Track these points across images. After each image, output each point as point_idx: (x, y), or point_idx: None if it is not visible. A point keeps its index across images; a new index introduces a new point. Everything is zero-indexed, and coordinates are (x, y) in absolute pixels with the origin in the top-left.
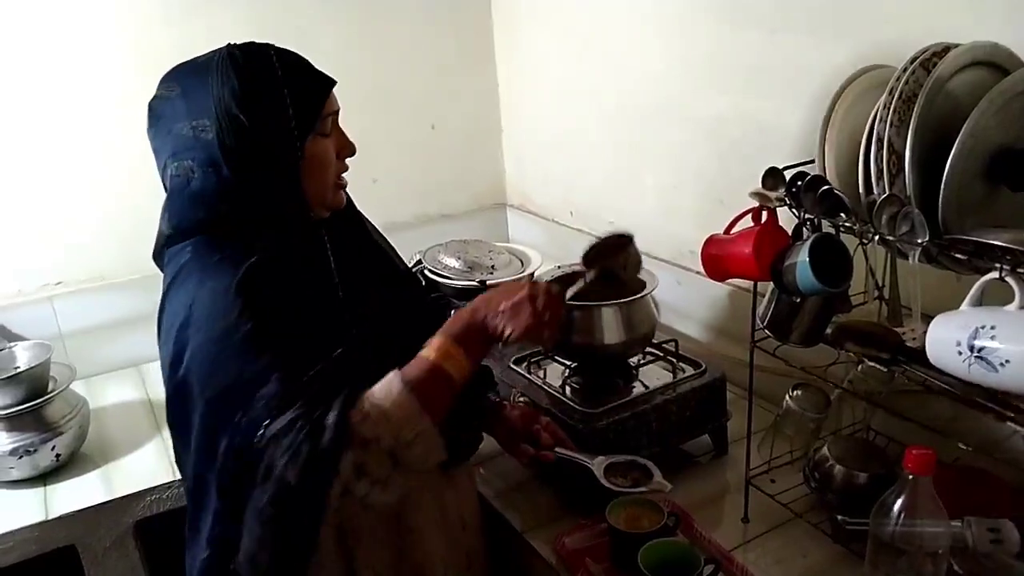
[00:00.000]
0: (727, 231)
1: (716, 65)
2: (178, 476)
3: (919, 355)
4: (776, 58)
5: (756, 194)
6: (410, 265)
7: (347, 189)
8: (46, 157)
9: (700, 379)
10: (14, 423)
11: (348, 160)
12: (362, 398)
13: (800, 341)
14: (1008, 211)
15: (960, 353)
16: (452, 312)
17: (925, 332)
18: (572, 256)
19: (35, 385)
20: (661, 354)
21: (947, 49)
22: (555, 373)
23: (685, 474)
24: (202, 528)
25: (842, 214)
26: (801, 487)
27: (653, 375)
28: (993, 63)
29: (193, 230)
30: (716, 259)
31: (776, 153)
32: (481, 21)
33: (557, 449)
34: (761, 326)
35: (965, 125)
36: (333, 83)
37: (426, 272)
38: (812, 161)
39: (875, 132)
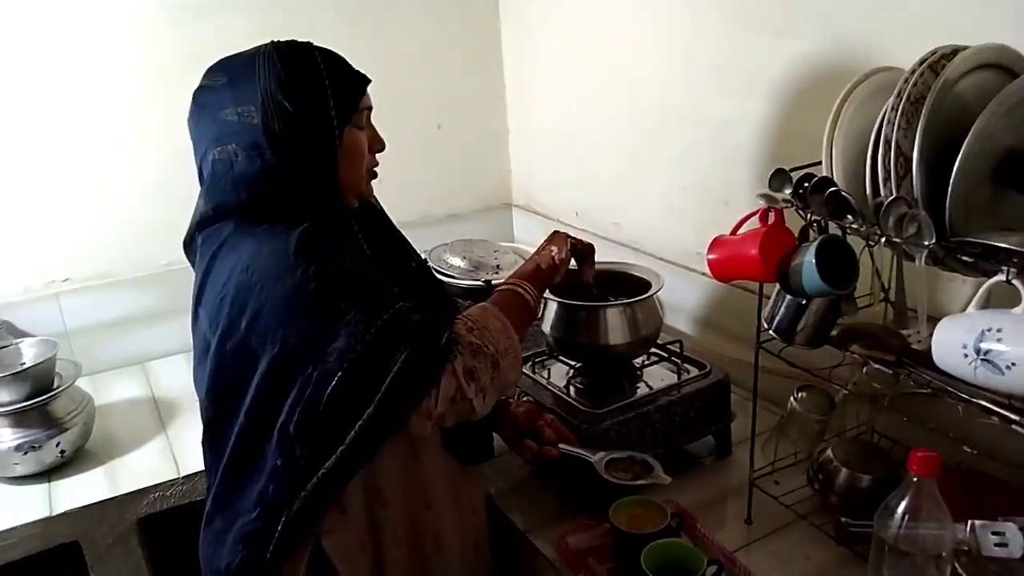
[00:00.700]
0: (733, 232)
1: (723, 67)
2: (182, 473)
3: (924, 358)
4: (783, 61)
5: (763, 195)
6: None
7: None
8: (53, 156)
9: (704, 380)
10: (19, 419)
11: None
12: (461, 316)
13: (805, 343)
14: (1015, 214)
15: (966, 356)
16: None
17: (931, 335)
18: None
19: (41, 381)
20: (666, 355)
21: (955, 51)
22: (559, 373)
23: (689, 475)
24: (244, 496)
25: (849, 216)
26: (805, 489)
27: (657, 376)
28: (1001, 65)
29: (232, 212)
30: (722, 260)
31: (783, 155)
32: (489, 22)
33: (560, 445)
34: (766, 327)
35: (973, 127)
36: (368, 80)
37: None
38: (819, 163)
39: (883, 134)
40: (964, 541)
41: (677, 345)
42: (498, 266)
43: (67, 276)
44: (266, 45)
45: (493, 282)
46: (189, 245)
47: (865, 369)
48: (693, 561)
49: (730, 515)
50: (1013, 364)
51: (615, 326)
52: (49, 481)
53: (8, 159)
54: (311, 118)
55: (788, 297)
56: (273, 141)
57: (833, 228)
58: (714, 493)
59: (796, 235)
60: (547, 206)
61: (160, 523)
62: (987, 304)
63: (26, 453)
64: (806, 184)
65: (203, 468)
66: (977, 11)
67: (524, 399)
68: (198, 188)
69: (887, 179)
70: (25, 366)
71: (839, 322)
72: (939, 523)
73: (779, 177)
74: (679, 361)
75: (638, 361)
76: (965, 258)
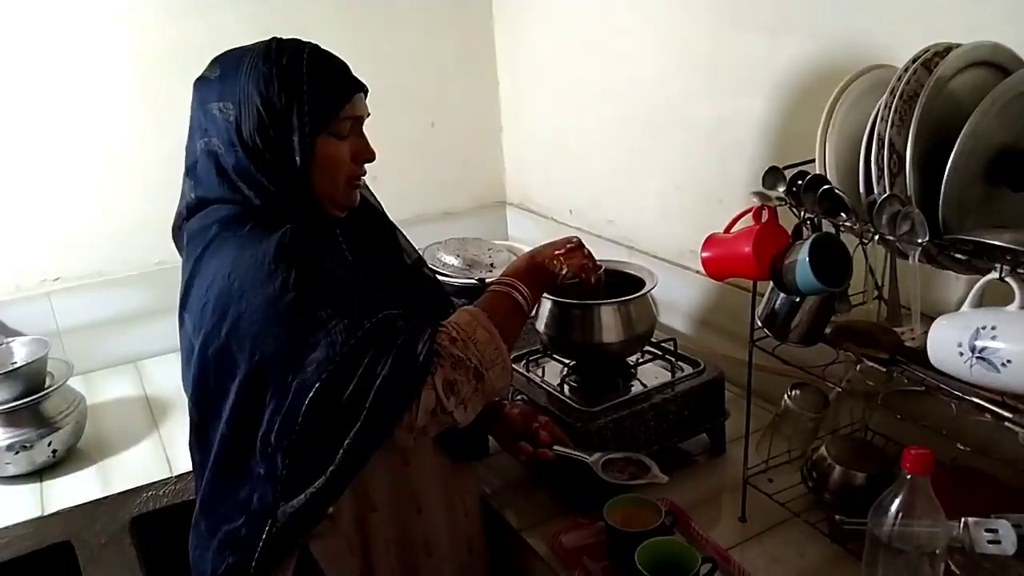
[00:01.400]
0: (727, 230)
1: (717, 65)
2: (175, 472)
3: (918, 355)
4: (777, 59)
5: (756, 193)
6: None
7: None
8: (45, 154)
9: (698, 378)
10: (11, 418)
11: None
12: (445, 325)
13: (799, 340)
14: (1008, 211)
15: (961, 354)
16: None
17: (924, 332)
18: None
19: (32, 381)
20: (660, 353)
21: (949, 49)
22: (553, 371)
23: (683, 473)
24: (229, 501)
25: (842, 213)
26: (799, 487)
27: (651, 374)
28: (994, 63)
29: (215, 202)
30: (716, 258)
31: (776, 153)
32: (482, 20)
33: (555, 447)
34: (760, 325)
35: (966, 125)
36: (359, 90)
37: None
38: (812, 161)
39: (876, 132)
40: (958, 538)
41: (671, 343)
42: (492, 264)
43: (58, 275)
44: (266, 41)
45: (487, 280)
46: (177, 232)
47: (859, 367)
48: (687, 559)
49: (724, 513)
50: (1008, 361)
51: (609, 324)
52: (41, 481)
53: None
54: (280, 125)
55: (782, 295)
56: (243, 141)
57: (826, 226)
58: (708, 491)
59: (790, 233)
60: (541, 204)
61: (153, 522)
62: (981, 302)
63: (17, 452)
64: (799, 182)
65: None
66: (970, 9)
67: (518, 398)
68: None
69: (880, 177)
70: (16, 365)
71: (833, 320)
72: (933, 520)
73: (773, 175)
74: (673, 359)
75: (632, 359)
76: (958, 256)
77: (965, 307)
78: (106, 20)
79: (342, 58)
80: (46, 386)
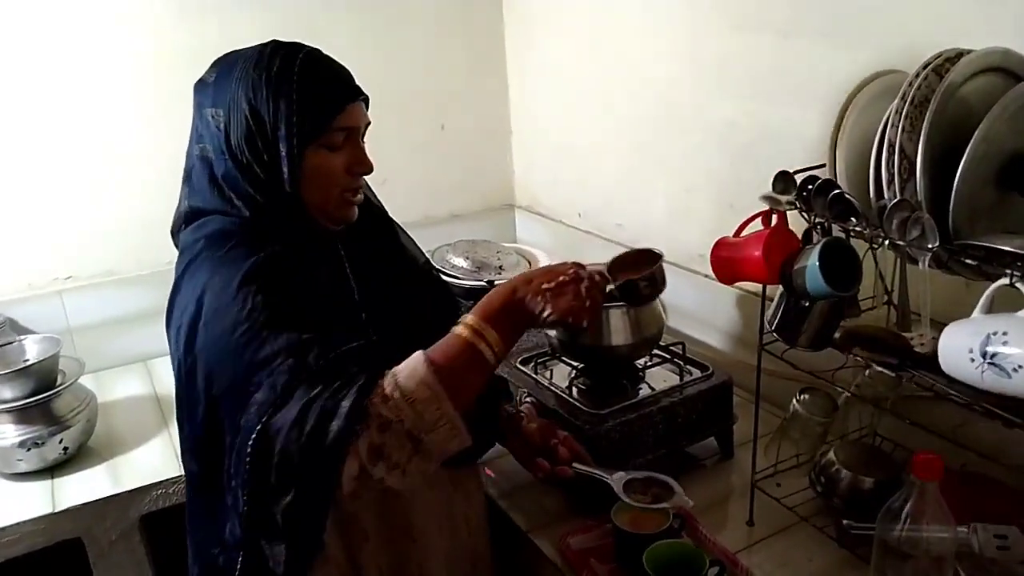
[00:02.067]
0: (737, 234)
1: (728, 69)
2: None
3: (927, 361)
4: (788, 63)
5: (766, 198)
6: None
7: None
8: (57, 153)
9: (707, 382)
10: (22, 416)
11: None
12: (385, 376)
13: (808, 345)
14: (1019, 217)
15: (973, 360)
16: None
17: (934, 338)
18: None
19: (44, 378)
20: (668, 356)
21: (960, 55)
22: (562, 374)
23: (690, 477)
24: (207, 528)
25: (852, 218)
26: (807, 491)
27: (660, 377)
28: (1006, 69)
29: (207, 212)
30: (725, 261)
31: (787, 157)
32: (492, 23)
33: (575, 464)
34: (769, 329)
35: (977, 130)
36: (355, 98)
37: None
38: (823, 165)
39: (887, 137)
40: (966, 544)
41: (680, 347)
42: (501, 267)
43: (70, 274)
44: (263, 45)
45: (496, 282)
46: (175, 236)
47: (868, 372)
48: (695, 562)
49: (732, 516)
50: (1020, 367)
51: (618, 327)
52: (52, 478)
53: (11, 156)
54: (266, 132)
55: (791, 299)
56: (231, 151)
57: (836, 230)
58: (716, 494)
59: (799, 238)
60: (550, 207)
61: (163, 520)
62: (991, 308)
63: (29, 450)
64: (810, 187)
65: None
66: (982, 15)
67: (527, 400)
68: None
69: (891, 182)
70: (28, 363)
71: (842, 325)
72: (942, 526)
73: (783, 179)
74: (681, 363)
75: (640, 363)
76: (968, 261)
77: (976, 313)
78: (119, 21)
79: (349, 61)
80: (57, 384)
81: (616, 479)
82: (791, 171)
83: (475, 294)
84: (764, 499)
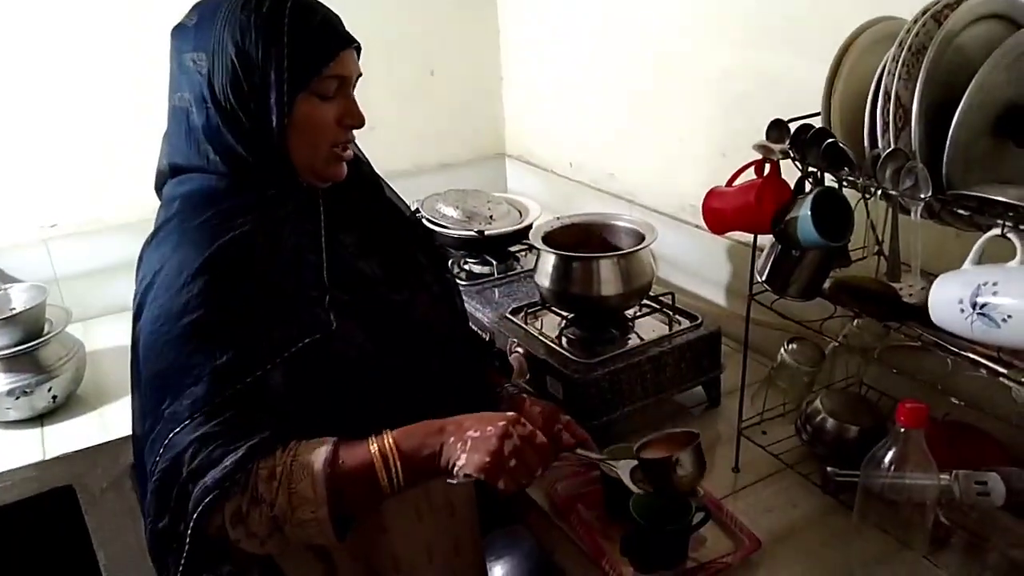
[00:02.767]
0: (729, 184)
1: (723, 16)
2: None
3: (916, 311)
4: (784, 9)
5: (760, 146)
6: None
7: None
8: (42, 98)
9: (695, 332)
10: (10, 364)
11: None
12: (285, 451)
13: (798, 295)
14: (1013, 168)
15: (963, 311)
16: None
17: (922, 288)
18: (571, 208)
19: (31, 327)
20: (658, 307)
21: (959, 1)
22: (551, 324)
23: (678, 424)
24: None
25: (845, 168)
26: (792, 439)
27: (649, 327)
28: (1006, 16)
29: (185, 169)
30: (717, 211)
31: (782, 106)
32: None
33: (579, 451)
34: (760, 279)
35: (975, 78)
36: (348, 46)
37: (424, 221)
38: (818, 114)
39: (882, 85)
40: (948, 490)
41: (669, 297)
42: (491, 216)
43: (55, 221)
44: None
45: (486, 232)
46: (159, 191)
47: (856, 322)
48: (680, 507)
49: (718, 463)
50: (1009, 316)
51: (608, 277)
52: (42, 426)
53: None
54: (254, 78)
55: (782, 249)
56: (215, 98)
57: (829, 180)
58: (704, 442)
59: (792, 187)
60: (541, 157)
61: None
62: (982, 259)
63: (18, 398)
64: (803, 135)
65: None
66: None
67: (516, 350)
68: None
69: (885, 131)
70: (15, 311)
71: (831, 275)
72: (925, 472)
73: (777, 128)
74: (671, 313)
75: (630, 312)
76: (961, 212)
77: (966, 264)
78: None
79: (335, 3)
80: (45, 333)
81: (622, 467)
82: (785, 120)
83: (465, 244)
84: (750, 447)
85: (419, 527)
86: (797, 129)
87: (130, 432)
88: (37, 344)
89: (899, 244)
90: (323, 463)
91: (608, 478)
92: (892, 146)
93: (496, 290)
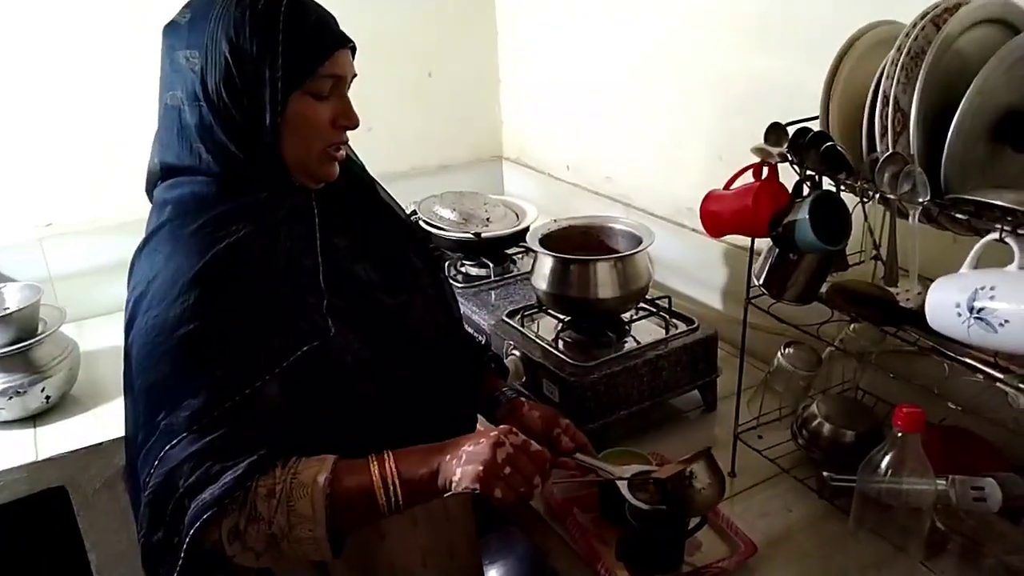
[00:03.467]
0: (727, 187)
1: (721, 19)
2: None
3: (912, 315)
4: (783, 11)
5: (758, 149)
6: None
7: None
8: (39, 99)
9: (692, 335)
10: (4, 364)
11: None
12: (284, 469)
13: (795, 299)
14: (1011, 172)
15: (960, 315)
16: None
17: (919, 293)
18: (568, 211)
19: (25, 327)
20: (654, 310)
21: (958, 5)
22: (548, 327)
23: (674, 428)
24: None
25: (844, 172)
26: (789, 443)
27: (646, 330)
28: (1004, 21)
29: (177, 169)
30: (715, 214)
31: (779, 110)
32: None
33: (577, 455)
34: (757, 283)
35: (973, 83)
36: (343, 45)
37: (420, 223)
38: (816, 117)
39: (881, 89)
40: (944, 495)
41: (666, 300)
42: (488, 219)
43: (50, 221)
44: None
45: (483, 235)
46: (150, 193)
47: (852, 326)
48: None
49: None
50: (1006, 321)
51: (605, 280)
52: (35, 426)
53: None
54: (248, 75)
55: (779, 253)
56: (207, 95)
57: (827, 184)
58: (699, 446)
59: (790, 191)
60: (538, 159)
61: None
62: (980, 263)
63: (11, 398)
64: (802, 139)
65: None
66: None
67: (512, 352)
68: None
69: (884, 135)
70: (9, 311)
71: (829, 279)
72: (921, 478)
73: (775, 132)
74: (667, 316)
75: (627, 316)
76: (959, 216)
77: (964, 268)
78: None
79: (334, 2)
80: (39, 332)
81: (620, 475)
82: (783, 123)
83: (462, 246)
84: (746, 451)
85: (414, 532)
86: (795, 133)
87: (123, 434)
88: (31, 344)
89: (897, 248)
90: (324, 483)
91: (604, 482)
92: (890, 150)
93: (493, 293)
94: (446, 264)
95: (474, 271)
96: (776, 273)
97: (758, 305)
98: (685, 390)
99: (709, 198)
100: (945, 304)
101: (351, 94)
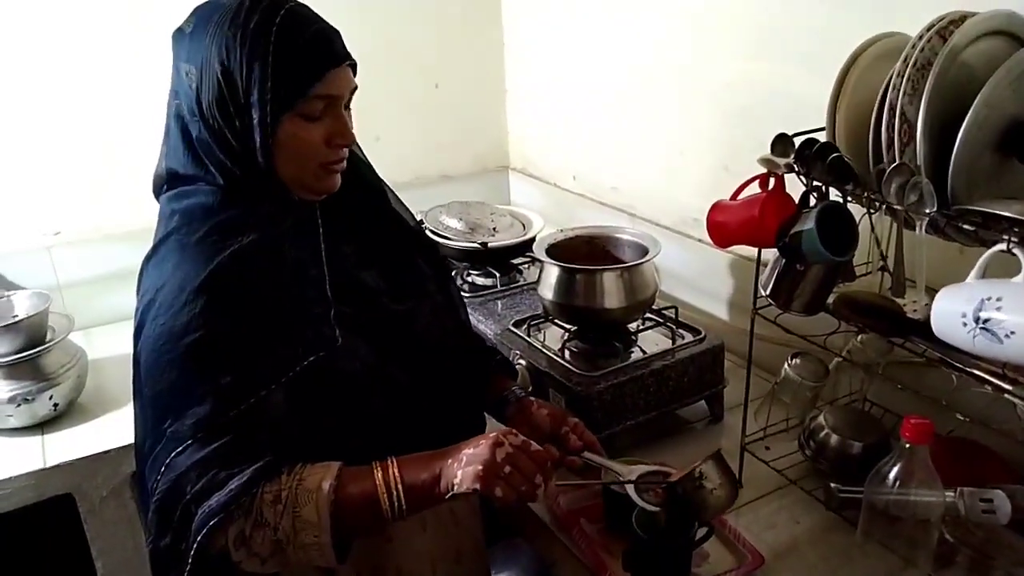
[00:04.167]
0: (734, 197)
1: (726, 29)
2: None
3: (920, 326)
4: (788, 22)
5: (765, 160)
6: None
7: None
8: (48, 107)
9: (699, 346)
10: (12, 371)
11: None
12: (290, 475)
13: (802, 310)
14: (1018, 183)
15: (965, 325)
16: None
17: (927, 304)
18: (574, 221)
19: (33, 334)
20: (661, 320)
21: (964, 18)
22: (554, 336)
23: (681, 439)
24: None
25: (850, 183)
26: (796, 455)
27: (652, 341)
28: (1010, 33)
29: (183, 177)
30: (721, 225)
31: (784, 120)
32: None
33: (586, 454)
34: (763, 293)
35: (980, 94)
36: (336, 65)
37: (427, 232)
38: (822, 128)
39: (887, 100)
40: (952, 507)
41: (672, 311)
42: (495, 228)
43: (58, 229)
44: None
45: (489, 245)
46: (158, 196)
47: (859, 337)
48: (684, 522)
49: None
50: (1012, 333)
51: (611, 290)
52: (43, 434)
53: (0, 110)
54: (238, 97)
55: (785, 263)
56: (202, 113)
57: (834, 194)
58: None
59: (796, 201)
60: (544, 169)
61: None
62: (986, 274)
63: (19, 405)
64: (808, 150)
65: None
66: None
67: (518, 362)
68: None
69: (890, 146)
70: (17, 319)
71: (836, 289)
72: (930, 489)
73: (781, 142)
74: (674, 326)
75: (633, 326)
76: (966, 227)
77: (970, 278)
78: None
79: (341, 16)
80: (47, 340)
81: (627, 475)
82: (789, 134)
83: (468, 256)
84: (753, 462)
85: (422, 537)
86: (802, 143)
87: (131, 441)
88: (39, 351)
89: (903, 259)
90: (328, 490)
91: (610, 491)
92: (897, 161)
93: (499, 302)
94: (453, 274)
95: (480, 281)
96: (783, 284)
97: (765, 316)
98: (692, 400)
99: (715, 208)
100: (951, 313)
101: (357, 106)
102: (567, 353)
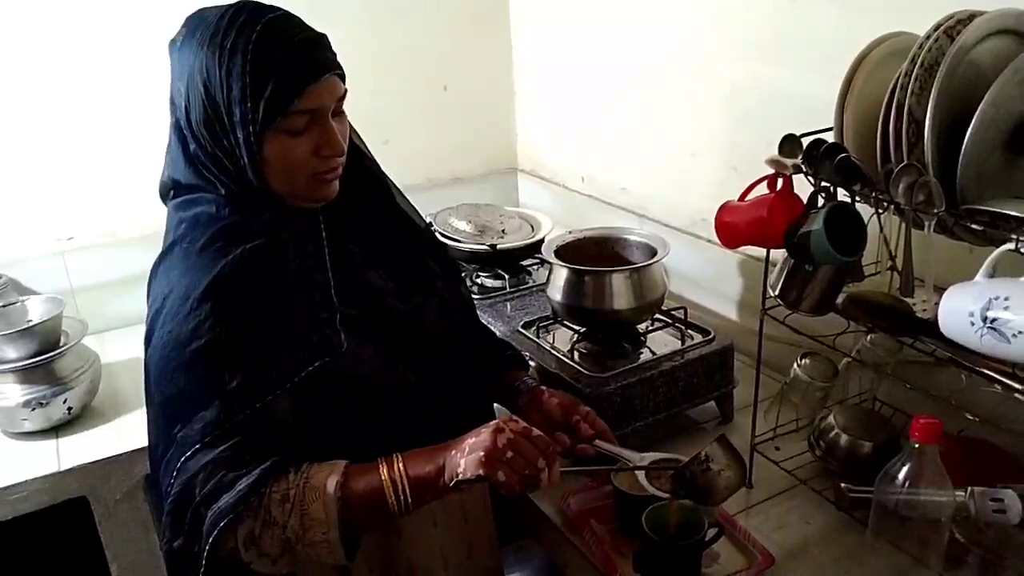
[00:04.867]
0: (742, 198)
1: (734, 30)
2: None
3: (929, 326)
4: (796, 23)
5: (773, 161)
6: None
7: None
8: (59, 113)
9: (708, 346)
10: (27, 376)
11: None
12: (297, 474)
13: (811, 310)
14: None
15: (973, 324)
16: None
17: (936, 303)
18: (583, 222)
19: (47, 339)
20: (670, 321)
21: (972, 17)
22: (564, 338)
23: (690, 440)
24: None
25: (859, 183)
26: (806, 455)
27: (661, 342)
28: (1018, 32)
29: (185, 187)
30: (730, 225)
31: (793, 121)
32: None
33: (597, 442)
34: (772, 294)
35: (988, 94)
36: (317, 78)
37: (436, 235)
38: (830, 129)
39: (895, 100)
40: (963, 507)
41: (681, 311)
42: (504, 231)
43: (72, 234)
44: (227, 7)
45: (498, 246)
46: (164, 200)
47: (869, 337)
48: (694, 523)
49: None
50: (1020, 332)
51: (620, 291)
52: (57, 437)
53: (13, 116)
54: (222, 117)
55: (795, 264)
56: (192, 131)
57: (842, 195)
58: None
59: (805, 202)
60: (553, 171)
61: None
62: (994, 273)
63: (34, 409)
64: (816, 150)
65: None
66: None
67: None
68: None
69: (898, 146)
70: (32, 323)
71: (845, 290)
72: (940, 489)
73: (789, 143)
74: (683, 327)
75: (642, 327)
76: (974, 226)
77: (978, 277)
78: None
79: (349, 20)
80: (61, 344)
81: (639, 461)
82: (797, 134)
83: (477, 258)
84: (763, 462)
85: (433, 533)
86: (810, 144)
87: (144, 444)
88: (53, 356)
89: (912, 259)
90: (335, 487)
91: (621, 492)
92: (905, 161)
93: (508, 304)
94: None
95: (489, 282)
96: (792, 284)
97: (774, 316)
98: (701, 401)
99: (724, 209)
100: (958, 312)
101: (365, 110)
102: (576, 354)
